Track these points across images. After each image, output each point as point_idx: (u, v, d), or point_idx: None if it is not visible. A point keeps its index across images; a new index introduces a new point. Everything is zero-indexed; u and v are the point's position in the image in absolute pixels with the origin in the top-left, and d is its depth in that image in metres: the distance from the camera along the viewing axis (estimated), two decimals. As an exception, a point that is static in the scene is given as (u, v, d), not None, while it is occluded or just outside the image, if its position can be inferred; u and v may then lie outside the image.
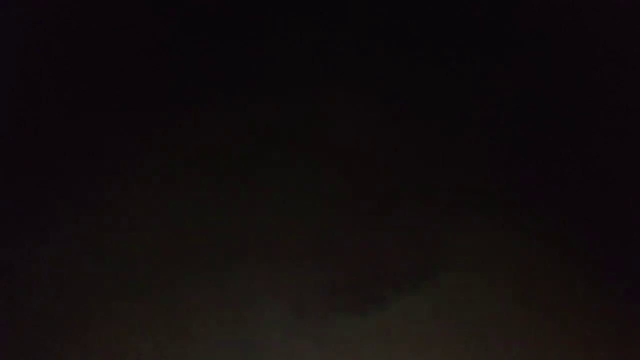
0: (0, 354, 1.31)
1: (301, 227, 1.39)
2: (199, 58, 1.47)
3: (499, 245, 1.38)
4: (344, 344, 1.30)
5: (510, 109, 1.46)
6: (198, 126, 1.45)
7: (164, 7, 1.49)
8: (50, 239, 1.37)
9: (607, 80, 1.46)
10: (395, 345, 1.30)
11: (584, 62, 1.47)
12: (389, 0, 1.50)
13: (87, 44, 1.47)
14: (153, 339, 1.32)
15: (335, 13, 1.50)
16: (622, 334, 1.32)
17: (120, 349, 1.32)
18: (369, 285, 1.35)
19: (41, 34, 1.47)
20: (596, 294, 1.35)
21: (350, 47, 1.48)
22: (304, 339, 1.31)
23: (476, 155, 1.43)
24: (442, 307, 1.33)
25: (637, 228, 1.38)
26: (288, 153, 1.44)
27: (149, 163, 1.43)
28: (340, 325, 1.32)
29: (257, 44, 1.48)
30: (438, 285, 1.34)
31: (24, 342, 1.32)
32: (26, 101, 1.44)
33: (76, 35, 1.47)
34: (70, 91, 1.45)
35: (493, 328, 1.32)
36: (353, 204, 1.41)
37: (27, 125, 1.43)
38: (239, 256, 1.37)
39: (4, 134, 1.42)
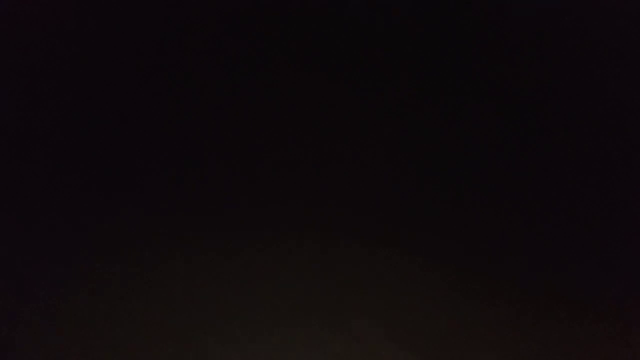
0: (1, 354, 1.31)
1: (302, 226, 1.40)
2: (198, 58, 1.48)
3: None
4: None
5: (510, 109, 1.46)
6: (198, 126, 1.45)
7: (164, 7, 1.49)
8: (51, 239, 1.38)
9: (607, 80, 1.46)
10: None
11: (584, 62, 1.47)
12: (389, 1, 1.50)
13: (87, 44, 1.47)
14: (155, 340, 1.33)
15: (335, 13, 1.50)
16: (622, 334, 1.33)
17: (122, 349, 1.32)
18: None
19: (41, 34, 1.47)
20: (595, 295, 1.35)
21: (350, 47, 1.48)
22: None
23: (476, 154, 1.43)
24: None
25: (637, 228, 1.38)
26: (289, 152, 1.44)
27: (149, 163, 1.43)
28: None
29: (257, 43, 1.48)
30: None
31: (24, 342, 1.32)
32: (26, 101, 1.44)
33: (76, 35, 1.47)
34: (69, 91, 1.45)
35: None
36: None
37: (27, 125, 1.43)
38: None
39: (4, 134, 1.43)
